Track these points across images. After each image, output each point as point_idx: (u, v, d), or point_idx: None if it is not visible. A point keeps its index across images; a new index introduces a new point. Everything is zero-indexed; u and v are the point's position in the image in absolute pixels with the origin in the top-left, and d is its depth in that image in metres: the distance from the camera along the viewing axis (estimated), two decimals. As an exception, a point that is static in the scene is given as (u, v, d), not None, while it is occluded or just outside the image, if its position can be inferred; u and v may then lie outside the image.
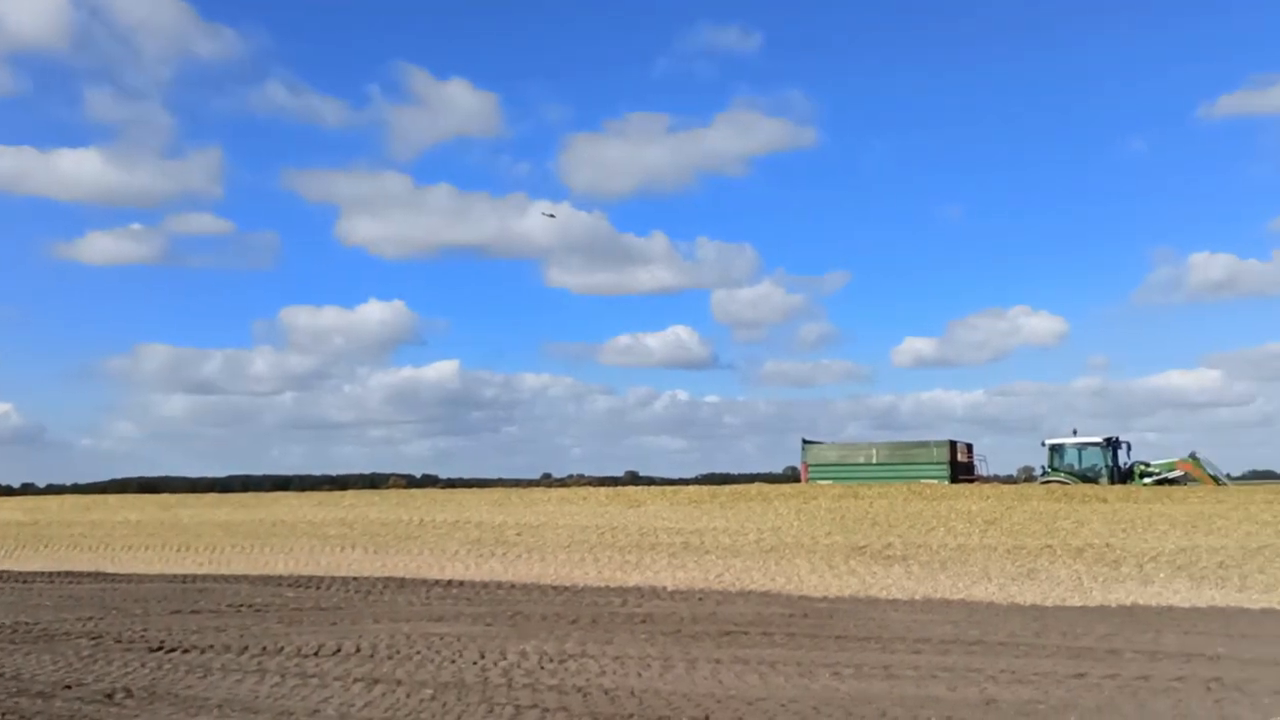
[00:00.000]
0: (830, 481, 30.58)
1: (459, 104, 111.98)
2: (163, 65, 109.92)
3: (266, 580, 18.11)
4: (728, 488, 27.34)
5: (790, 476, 41.47)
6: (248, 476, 74.98)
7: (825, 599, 15.02)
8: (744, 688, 9.17)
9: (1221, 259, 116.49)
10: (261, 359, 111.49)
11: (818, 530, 20.04)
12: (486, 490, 32.13)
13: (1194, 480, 28.81)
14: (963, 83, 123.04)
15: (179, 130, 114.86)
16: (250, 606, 14.74)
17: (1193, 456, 29.86)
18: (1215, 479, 28.89)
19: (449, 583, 17.17)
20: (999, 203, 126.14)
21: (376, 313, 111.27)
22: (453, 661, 10.44)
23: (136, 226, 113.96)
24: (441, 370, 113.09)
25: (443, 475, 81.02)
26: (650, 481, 50.44)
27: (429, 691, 9.11)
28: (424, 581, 17.40)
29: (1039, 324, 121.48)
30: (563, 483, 58.31)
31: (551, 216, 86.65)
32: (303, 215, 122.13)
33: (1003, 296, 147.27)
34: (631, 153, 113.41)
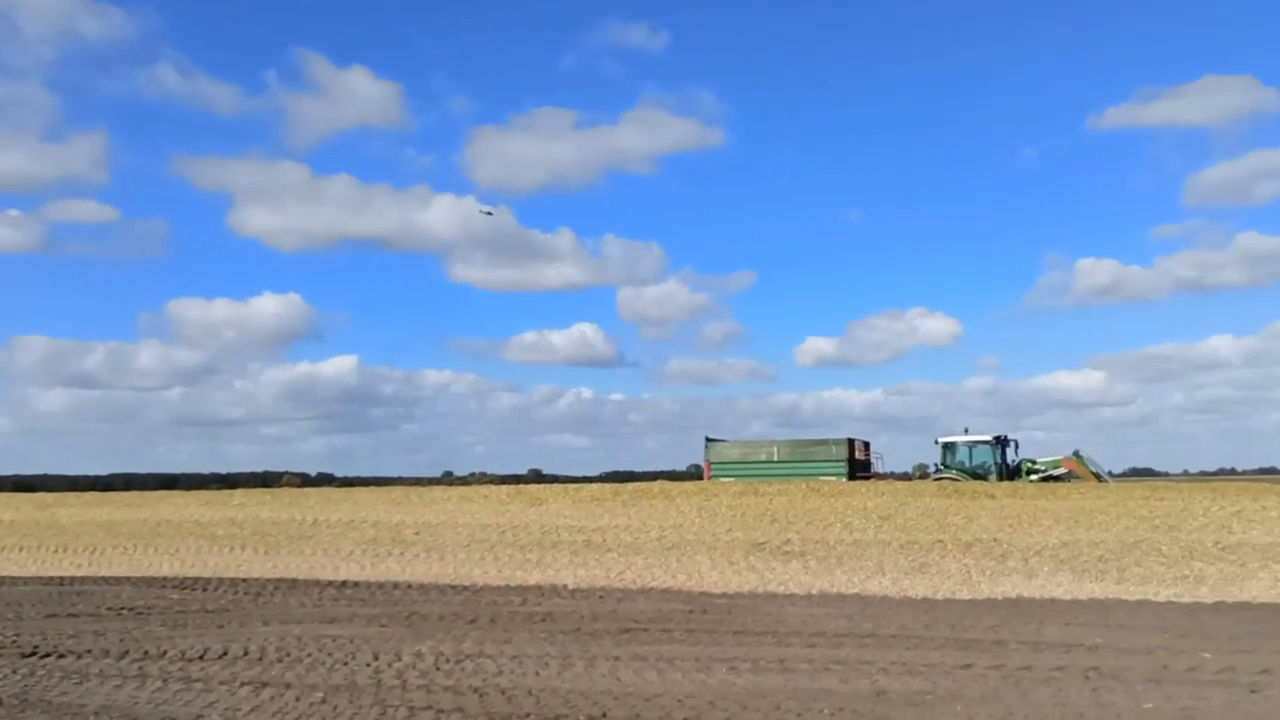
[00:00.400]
0: (732, 479, 30.88)
1: (360, 93, 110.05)
2: (44, 44, 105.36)
3: (150, 582, 17.43)
4: (630, 485, 27.38)
5: (694, 474, 41.77)
6: (131, 475, 72.31)
7: (725, 595, 15.15)
8: (642, 684, 9.18)
9: (1107, 265, 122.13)
10: (148, 352, 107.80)
11: (719, 527, 20.21)
12: (384, 489, 31.53)
13: (1077, 477, 29.93)
14: (866, 89, 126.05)
15: (61, 112, 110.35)
16: (132, 609, 14.16)
17: (1076, 454, 31.03)
18: (1097, 476, 30.08)
19: (343, 583, 16.79)
20: (899, 207, 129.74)
21: (271, 306, 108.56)
22: (345, 664, 10.20)
23: (14, 213, 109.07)
24: (339, 366, 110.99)
25: (339, 474, 79.50)
26: (554, 479, 50.31)
27: (320, 694, 8.88)
28: (317, 582, 16.97)
29: (935, 325, 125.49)
30: (465, 481, 57.68)
31: (489, 214, 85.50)
32: (193, 203, 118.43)
33: (901, 298, 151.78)
34: (538, 148, 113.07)
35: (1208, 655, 10.24)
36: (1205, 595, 14.54)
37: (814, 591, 15.36)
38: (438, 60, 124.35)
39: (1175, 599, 14.36)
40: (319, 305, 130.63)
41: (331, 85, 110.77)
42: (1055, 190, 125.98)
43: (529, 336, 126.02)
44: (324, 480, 71.82)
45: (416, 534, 20.75)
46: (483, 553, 18.83)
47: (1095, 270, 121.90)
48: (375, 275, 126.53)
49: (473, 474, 73.55)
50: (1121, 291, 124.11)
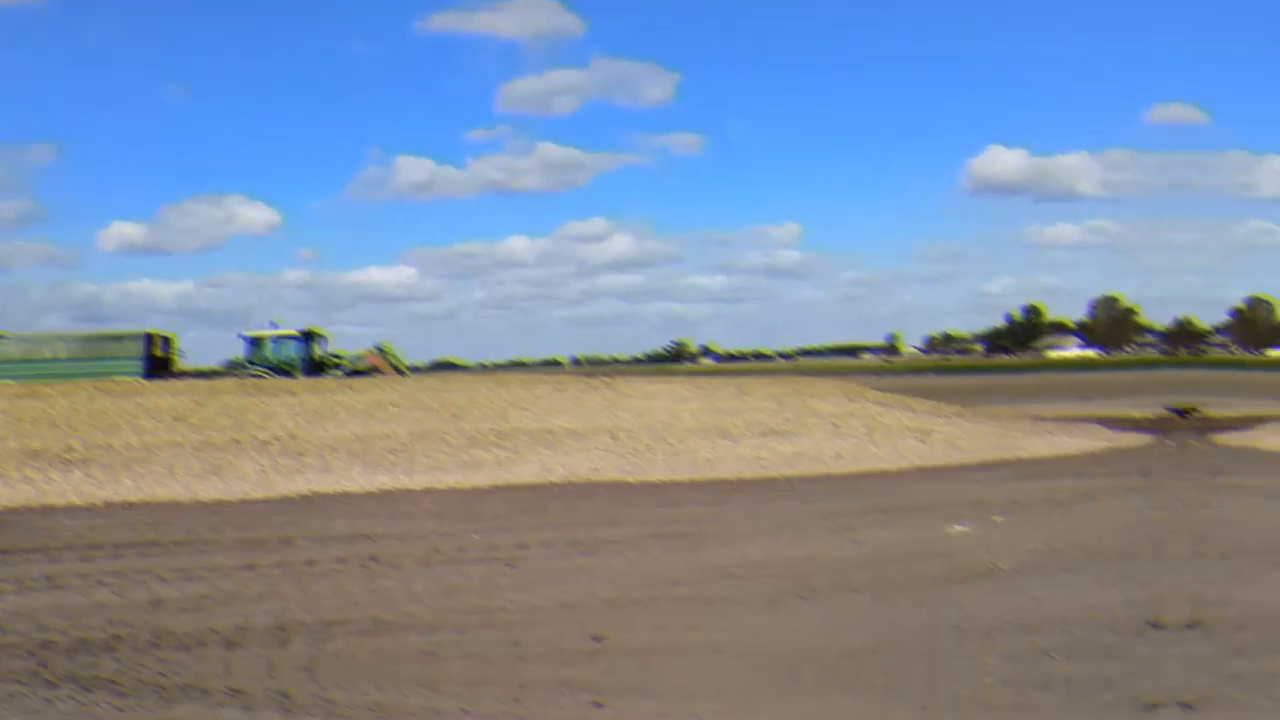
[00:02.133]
0: (13, 380, 27.10)
1: None
2: None
3: None
4: None
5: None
6: None
7: (-11, 513, 13.37)
8: None
9: (424, 163, 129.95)
10: None
11: (-14, 436, 17.63)
12: None
13: (381, 371, 31.61)
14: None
15: None
16: None
17: (378, 348, 32.68)
18: (398, 369, 32.08)
19: None
20: (224, 86, 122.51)
21: None
22: None
23: None
24: None
25: None
26: None
27: None
28: None
29: (254, 214, 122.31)
30: None
31: None
32: None
33: (221, 183, 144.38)
34: None
35: (477, 536, 11.59)
36: (482, 480, 16.34)
37: (98, 502, 14.29)
38: None
39: (456, 485, 15.98)
40: None
41: None
42: (382, 87, 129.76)
43: None
44: None
45: None
46: None
47: (413, 168, 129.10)
48: None
49: None
50: (436, 189, 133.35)
